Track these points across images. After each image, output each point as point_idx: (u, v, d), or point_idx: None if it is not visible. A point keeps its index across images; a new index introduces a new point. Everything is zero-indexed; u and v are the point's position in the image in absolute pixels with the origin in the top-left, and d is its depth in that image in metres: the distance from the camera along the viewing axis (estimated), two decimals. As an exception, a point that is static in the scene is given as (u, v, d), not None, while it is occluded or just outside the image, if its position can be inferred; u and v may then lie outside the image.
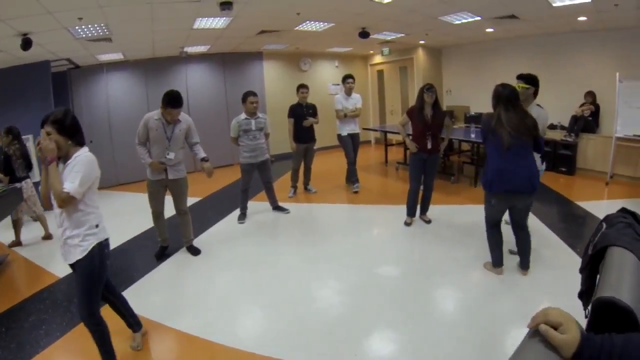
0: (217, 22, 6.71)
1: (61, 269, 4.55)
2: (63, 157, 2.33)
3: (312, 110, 6.53)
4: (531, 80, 3.87)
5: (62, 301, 3.88)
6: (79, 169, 2.29)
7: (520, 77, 3.93)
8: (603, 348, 0.86)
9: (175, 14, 5.90)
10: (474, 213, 5.34)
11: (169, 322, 3.33)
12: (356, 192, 6.79)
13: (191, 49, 8.86)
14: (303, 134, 6.45)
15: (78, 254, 2.34)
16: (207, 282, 4.05)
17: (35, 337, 3.27)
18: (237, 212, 6.00)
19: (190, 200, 6.98)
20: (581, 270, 1.75)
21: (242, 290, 3.84)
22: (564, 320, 0.91)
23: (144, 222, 5.46)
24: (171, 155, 4.34)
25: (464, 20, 7.26)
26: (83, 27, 5.90)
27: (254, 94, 5.59)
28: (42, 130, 2.20)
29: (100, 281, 2.49)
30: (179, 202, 4.62)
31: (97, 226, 2.43)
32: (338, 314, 3.27)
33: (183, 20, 6.35)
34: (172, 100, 4.16)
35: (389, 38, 9.11)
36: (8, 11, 4.78)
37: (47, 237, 5.70)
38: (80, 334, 3.23)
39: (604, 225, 1.89)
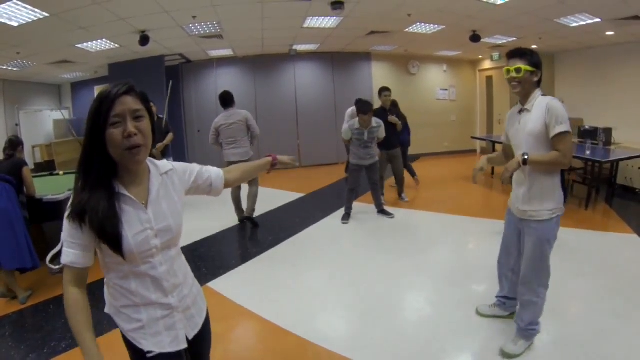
0: (328, 22, 6.51)
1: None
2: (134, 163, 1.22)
3: (396, 115, 6.06)
4: (534, 60, 2.32)
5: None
6: None
7: (518, 54, 2.32)
8: None
9: (285, 12, 5.82)
10: (586, 240, 4.56)
11: (259, 311, 3.29)
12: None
13: (300, 47, 8.79)
14: (385, 140, 5.85)
15: (205, 308, 1.55)
16: (301, 278, 3.97)
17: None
18: (341, 211, 5.81)
19: (294, 196, 7.13)
20: None
21: (336, 290, 3.69)
22: None
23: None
24: None
25: (582, 23, 6.38)
26: (196, 24, 6.04)
27: (370, 110, 5.24)
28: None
29: None
30: None
31: None
32: (430, 329, 3.00)
33: (293, 18, 6.26)
34: None
35: (500, 42, 8.30)
36: (128, 10, 5.00)
37: None
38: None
39: None
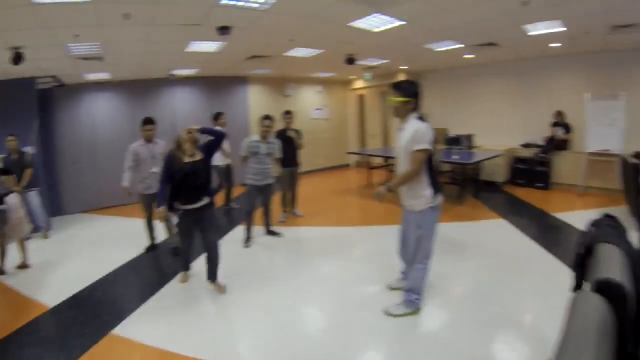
0: (211, 46, 6.65)
1: (49, 298, 4.21)
2: None
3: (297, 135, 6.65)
4: (409, 92, 3.12)
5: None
6: None
7: (396, 87, 3.15)
8: None
9: (170, 36, 5.83)
10: (464, 231, 5.90)
11: (179, 349, 3.20)
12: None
13: (179, 72, 8.80)
14: (288, 159, 6.35)
15: None
16: (211, 307, 3.98)
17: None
18: (233, 233, 6.15)
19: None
20: (574, 267, 2.09)
21: (247, 315, 3.77)
22: None
23: (130, 250, 5.68)
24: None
25: (447, 48, 7.61)
26: (77, 44, 5.78)
27: (267, 117, 5.55)
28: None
29: None
30: None
31: None
32: (342, 331, 3.40)
33: (178, 43, 6.27)
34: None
35: (373, 64, 9.31)
36: (2, 23, 4.49)
37: (24, 266, 5.25)
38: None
39: (592, 228, 2.21)
